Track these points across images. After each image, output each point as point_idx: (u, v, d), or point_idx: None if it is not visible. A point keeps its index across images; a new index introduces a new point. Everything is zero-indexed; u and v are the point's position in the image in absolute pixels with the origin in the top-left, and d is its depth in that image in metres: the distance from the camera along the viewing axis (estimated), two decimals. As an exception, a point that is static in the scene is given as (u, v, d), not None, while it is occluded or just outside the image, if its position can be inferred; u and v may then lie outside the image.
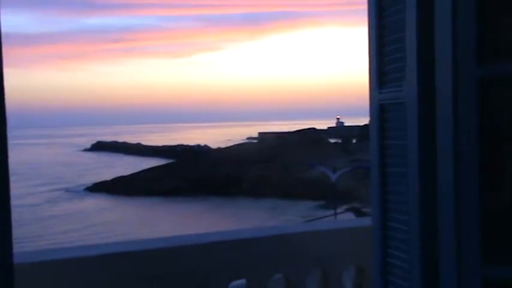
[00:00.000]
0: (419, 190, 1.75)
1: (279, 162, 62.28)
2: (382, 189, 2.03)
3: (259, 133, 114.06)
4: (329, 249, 3.23)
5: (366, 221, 3.45)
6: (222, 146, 79.15)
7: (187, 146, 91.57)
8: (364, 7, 2.02)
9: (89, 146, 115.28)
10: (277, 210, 47.16)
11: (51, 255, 2.81)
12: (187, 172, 58.77)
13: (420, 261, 1.76)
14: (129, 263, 2.86)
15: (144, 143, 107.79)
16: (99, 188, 56.98)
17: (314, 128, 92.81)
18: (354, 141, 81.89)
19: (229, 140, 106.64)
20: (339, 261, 3.22)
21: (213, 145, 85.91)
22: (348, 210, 39.19)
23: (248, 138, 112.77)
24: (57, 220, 41.56)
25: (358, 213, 38.41)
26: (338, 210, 29.53)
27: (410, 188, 1.81)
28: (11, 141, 1.62)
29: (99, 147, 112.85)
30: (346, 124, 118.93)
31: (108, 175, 60.80)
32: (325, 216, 25.15)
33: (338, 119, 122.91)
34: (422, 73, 1.74)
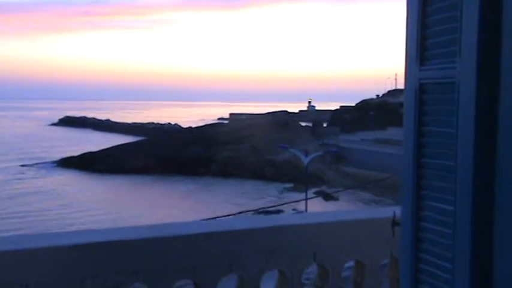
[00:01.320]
0: (473, 188, 1.47)
1: (249, 144, 62.08)
2: (415, 182, 1.75)
3: (231, 114, 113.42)
4: (328, 243, 2.96)
5: (366, 214, 3.20)
6: (193, 125, 78.36)
7: (157, 124, 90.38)
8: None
9: (56, 120, 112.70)
10: (245, 191, 47.01)
11: (26, 244, 2.45)
12: (157, 150, 57.99)
13: (470, 266, 1.49)
14: (109, 254, 2.54)
15: (113, 119, 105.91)
16: (67, 163, 55.74)
17: (285, 111, 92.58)
18: (325, 125, 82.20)
19: (201, 120, 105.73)
20: (338, 255, 2.96)
21: (184, 124, 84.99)
22: (316, 193, 39.28)
23: (219, 119, 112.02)
24: (29, 198, 40.31)
25: (327, 197, 38.58)
26: (307, 194, 29.50)
27: (459, 185, 1.53)
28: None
29: (68, 122, 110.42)
30: (317, 108, 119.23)
31: (76, 151, 59.51)
32: (297, 201, 25.03)
33: (309, 102, 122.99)
34: (484, 48, 1.44)
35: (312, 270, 2.91)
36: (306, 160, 27.44)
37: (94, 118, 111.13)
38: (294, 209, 35.73)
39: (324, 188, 44.72)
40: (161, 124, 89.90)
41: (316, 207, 34.24)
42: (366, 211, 3.21)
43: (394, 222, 2.10)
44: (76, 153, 58.22)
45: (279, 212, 36.46)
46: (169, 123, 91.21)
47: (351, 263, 3.02)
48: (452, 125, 1.55)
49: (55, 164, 55.63)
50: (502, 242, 1.43)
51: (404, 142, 1.81)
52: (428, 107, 1.69)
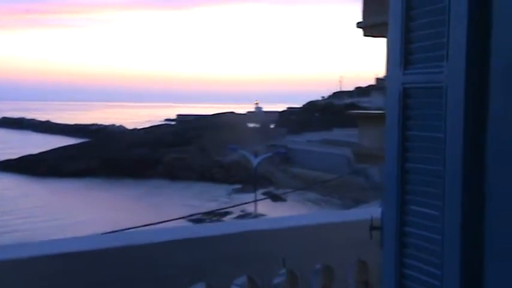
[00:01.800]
0: (463, 193, 1.47)
1: (197, 145, 61.66)
2: (400, 187, 1.73)
3: (178, 115, 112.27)
4: (297, 248, 2.93)
5: (335, 217, 3.19)
6: (139, 126, 76.98)
7: (101, 125, 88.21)
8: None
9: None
10: (191, 193, 46.62)
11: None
12: (100, 152, 56.57)
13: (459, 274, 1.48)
14: (67, 266, 2.40)
15: (54, 120, 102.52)
16: (5, 167, 53.44)
17: (233, 112, 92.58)
18: (272, 126, 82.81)
19: (147, 121, 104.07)
20: (307, 260, 2.93)
21: (130, 126, 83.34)
22: (264, 194, 39.47)
23: (166, 120, 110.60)
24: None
25: (275, 198, 38.86)
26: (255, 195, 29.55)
27: (448, 190, 1.52)
28: None
29: (5, 123, 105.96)
30: (264, 109, 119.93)
31: (14, 153, 57.12)
32: (247, 203, 25.04)
33: (257, 103, 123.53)
34: (472, 51, 1.44)
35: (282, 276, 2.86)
36: (255, 161, 27.49)
37: (33, 119, 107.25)
38: (242, 211, 35.79)
39: (271, 189, 45.01)
40: (105, 125, 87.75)
41: (265, 209, 34.41)
42: (335, 214, 3.21)
43: (372, 226, 2.09)
44: (14, 156, 55.93)
45: (226, 214, 36.45)
46: (113, 124, 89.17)
47: (319, 267, 3.00)
48: (440, 130, 1.54)
49: (-8, 167, 53.26)
50: (492, 247, 1.43)
51: (386, 146, 1.80)
52: (413, 112, 1.68)
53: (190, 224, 34.36)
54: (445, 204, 1.53)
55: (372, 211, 3.25)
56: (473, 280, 1.46)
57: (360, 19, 14.08)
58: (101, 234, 2.87)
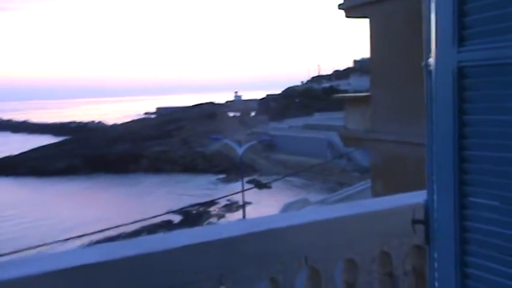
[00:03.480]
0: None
1: (178, 137, 61.26)
2: (457, 178, 1.56)
3: (157, 108, 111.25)
4: (319, 244, 2.76)
5: (349, 209, 3.02)
6: (119, 122, 76.13)
7: (80, 122, 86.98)
8: None
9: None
10: (178, 184, 46.27)
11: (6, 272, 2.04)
12: (82, 150, 55.84)
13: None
14: (87, 279, 2.20)
15: (32, 120, 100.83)
16: (-16, 170, 52.38)
17: (212, 102, 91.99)
18: (253, 114, 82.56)
19: (126, 116, 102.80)
20: (329, 256, 2.76)
21: (109, 121, 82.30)
22: (249, 182, 39.35)
23: (146, 114, 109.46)
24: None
25: (259, 184, 38.83)
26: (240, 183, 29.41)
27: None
28: None
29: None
30: (243, 98, 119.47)
31: (-7, 156, 56.02)
32: (236, 193, 24.88)
33: (236, 92, 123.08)
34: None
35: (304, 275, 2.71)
36: (240, 150, 27.29)
37: (10, 120, 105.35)
38: (228, 200, 35.66)
39: (255, 176, 44.93)
40: (84, 122, 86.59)
41: (252, 197, 34.31)
42: (354, 206, 3.04)
43: (415, 220, 1.92)
44: (-6, 159, 54.88)
45: (212, 204, 36.30)
46: (92, 121, 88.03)
47: (342, 262, 2.84)
48: (508, 112, 1.37)
49: (-29, 171, 52.08)
50: None
51: (434, 134, 1.62)
52: (472, 93, 1.50)
53: (179, 216, 34.27)
54: (519, 197, 1.37)
55: (393, 200, 3.09)
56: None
57: (341, 1, 13.93)
58: (115, 242, 2.64)
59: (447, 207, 1.61)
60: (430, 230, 1.79)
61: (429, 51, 1.68)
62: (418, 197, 2.43)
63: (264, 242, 2.55)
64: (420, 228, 1.91)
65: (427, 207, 1.84)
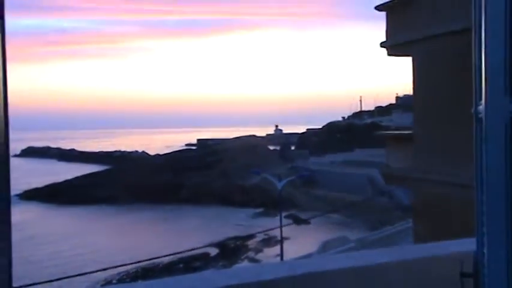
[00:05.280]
0: None
1: (218, 169, 61.55)
2: (510, 231, 1.48)
3: (198, 140, 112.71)
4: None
5: (390, 255, 2.92)
6: (161, 152, 77.39)
7: (124, 152, 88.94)
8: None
9: (19, 151, 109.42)
10: (219, 218, 46.27)
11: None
12: (124, 179, 56.79)
13: None
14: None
15: (78, 148, 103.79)
16: (30, 195, 53.92)
17: (253, 135, 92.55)
18: (293, 148, 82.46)
19: (168, 146, 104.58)
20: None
21: (152, 152, 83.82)
22: (287, 217, 38.99)
23: (187, 145, 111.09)
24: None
25: (297, 220, 38.38)
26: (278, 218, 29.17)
27: None
28: None
29: (31, 152, 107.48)
30: (284, 131, 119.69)
31: (40, 182, 57.66)
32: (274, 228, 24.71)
33: (276, 126, 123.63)
34: None
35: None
36: (279, 185, 27.17)
37: (58, 148, 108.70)
38: (266, 234, 35.38)
39: (294, 211, 44.49)
40: (128, 152, 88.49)
41: (290, 232, 33.94)
42: (397, 251, 2.93)
43: (463, 273, 1.83)
44: (40, 185, 56.48)
45: (250, 236, 36.10)
46: (136, 150, 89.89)
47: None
48: None
49: (17, 197, 53.60)
50: None
51: (487, 183, 1.55)
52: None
53: (216, 249, 34.25)
54: None
55: (438, 247, 2.97)
56: None
57: (384, 39, 13.92)
58: (149, 282, 2.62)
59: (499, 262, 1.53)
60: (480, 284, 1.70)
61: (479, 98, 1.63)
62: (465, 245, 2.33)
63: (301, 285, 2.49)
64: (469, 282, 1.82)
65: (477, 259, 1.75)
